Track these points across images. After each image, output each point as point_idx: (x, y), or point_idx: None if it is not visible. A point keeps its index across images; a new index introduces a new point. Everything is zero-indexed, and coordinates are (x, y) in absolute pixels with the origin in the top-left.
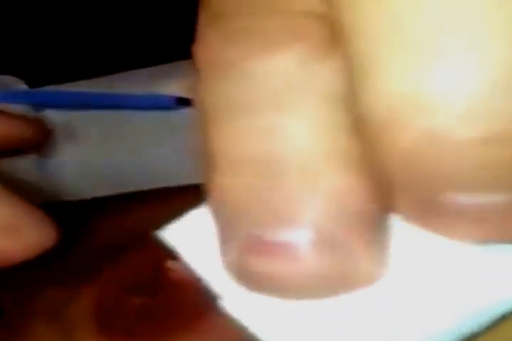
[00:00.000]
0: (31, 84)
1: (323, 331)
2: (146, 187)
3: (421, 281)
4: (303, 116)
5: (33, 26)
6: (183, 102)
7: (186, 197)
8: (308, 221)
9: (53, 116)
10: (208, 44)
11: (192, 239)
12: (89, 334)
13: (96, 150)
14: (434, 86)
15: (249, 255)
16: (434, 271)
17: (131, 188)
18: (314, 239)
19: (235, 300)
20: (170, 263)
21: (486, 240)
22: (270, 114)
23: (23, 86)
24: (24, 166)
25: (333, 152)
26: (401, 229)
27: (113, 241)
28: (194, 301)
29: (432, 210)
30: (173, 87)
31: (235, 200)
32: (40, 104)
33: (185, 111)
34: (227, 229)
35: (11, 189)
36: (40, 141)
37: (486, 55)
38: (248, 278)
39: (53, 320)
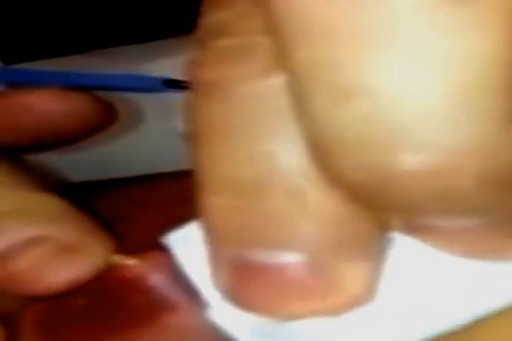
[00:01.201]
0: (6, 60)
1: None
2: (132, 173)
3: (415, 290)
4: (292, 140)
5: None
6: (170, 84)
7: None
8: (296, 245)
9: None
10: (201, 63)
11: (192, 247)
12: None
13: None
14: (367, 124)
15: (236, 278)
16: (427, 279)
17: (115, 174)
18: (302, 262)
19: (223, 311)
20: (114, 260)
21: (466, 257)
22: (260, 138)
23: None
24: None
25: (320, 177)
26: (398, 241)
27: None
28: (141, 301)
29: (413, 229)
30: (158, 67)
31: (224, 222)
32: (15, 83)
33: (172, 93)
34: (216, 251)
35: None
36: (110, 122)
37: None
38: (236, 299)
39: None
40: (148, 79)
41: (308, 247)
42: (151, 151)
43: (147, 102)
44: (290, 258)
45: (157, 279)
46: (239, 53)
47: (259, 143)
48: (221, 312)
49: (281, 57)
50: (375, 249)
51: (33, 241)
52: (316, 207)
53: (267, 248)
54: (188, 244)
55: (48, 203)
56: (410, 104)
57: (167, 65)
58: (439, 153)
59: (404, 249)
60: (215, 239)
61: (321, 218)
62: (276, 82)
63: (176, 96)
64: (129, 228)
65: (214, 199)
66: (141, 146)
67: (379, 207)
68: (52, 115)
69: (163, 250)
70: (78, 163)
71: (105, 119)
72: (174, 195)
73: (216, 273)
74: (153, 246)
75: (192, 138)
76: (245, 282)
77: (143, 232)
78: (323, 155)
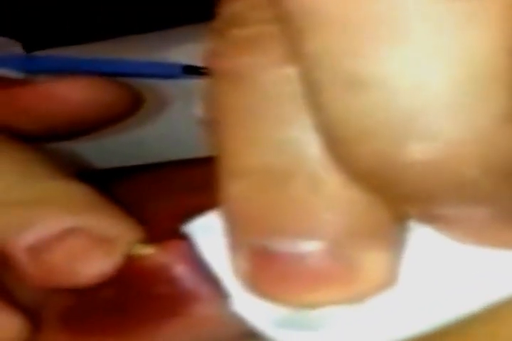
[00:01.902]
0: (28, 47)
1: (330, 334)
2: (155, 159)
3: (432, 278)
4: (304, 126)
5: None
6: (190, 70)
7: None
8: (317, 233)
9: None
10: (220, 52)
11: (213, 236)
12: (55, 333)
13: None
14: (378, 113)
15: (257, 266)
16: (444, 267)
17: (139, 161)
18: (323, 250)
19: (244, 301)
20: (133, 250)
21: (477, 246)
22: (282, 125)
23: (19, 49)
24: None
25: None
26: (416, 230)
27: None
28: (165, 292)
29: (428, 218)
30: (178, 53)
31: (245, 210)
32: (37, 71)
33: (192, 79)
34: (236, 239)
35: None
36: (135, 110)
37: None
38: (256, 288)
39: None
40: (168, 65)
41: (329, 235)
42: (174, 137)
43: (168, 88)
44: (311, 247)
45: (180, 269)
46: (257, 42)
47: (282, 130)
48: (242, 301)
49: (292, 48)
50: (394, 238)
51: (68, 233)
52: (337, 195)
53: (288, 236)
54: (208, 233)
55: (79, 192)
56: (417, 94)
57: (186, 52)
58: (443, 142)
59: (422, 238)
60: (235, 227)
61: (342, 207)
62: (295, 70)
63: (195, 82)
64: (148, 216)
65: (236, 187)
66: (163, 132)
67: (391, 196)
68: (78, 103)
69: (184, 239)
70: (103, 150)
71: (131, 107)
72: (194, 183)
73: (236, 262)
74: (174, 235)
75: (213, 125)
76: (266, 270)
77: (163, 220)
78: (334, 144)
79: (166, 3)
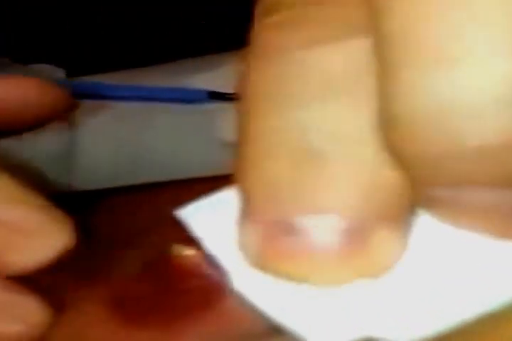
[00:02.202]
0: (70, 73)
1: (331, 309)
2: (169, 178)
3: (435, 270)
4: (348, 107)
5: (76, 16)
6: (215, 96)
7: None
8: (337, 209)
9: (85, 107)
10: (264, 31)
11: (208, 220)
12: (104, 326)
13: (126, 141)
14: (448, 101)
15: (270, 241)
16: (448, 261)
17: (158, 179)
18: (339, 226)
19: (244, 278)
20: (174, 249)
21: (494, 237)
22: (316, 104)
23: (62, 75)
24: (53, 153)
25: (369, 144)
26: (422, 222)
27: (121, 232)
28: (203, 288)
29: (445, 205)
30: (204, 81)
31: (269, 184)
32: (77, 95)
33: (217, 104)
34: (252, 215)
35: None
36: (64, 109)
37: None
38: (264, 261)
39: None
40: (195, 91)
41: (348, 212)
42: (191, 159)
43: (191, 113)
44: (328, 222)
45: (213, 267)
46: (296, 22)
47: (316, 108)
48: (242, 280)
49: (369, 28)
50: (406, 222)
51: None
52: (364, 176)
53: (309, 211)
54: (205, 217)
55: (4, 186)
56: (491, 80)
57: (210, 79)
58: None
59: (426, 228)
60: (252, 203)
61: (366, 187)
62: (333, 50)
63: (219, 107)
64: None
65: (263, 161)
66: (182, 153)
67: (427, 178)
68: (10, 102)
69: None
70: (122, 167)
71: (59, 105)
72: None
73: (248, 237)
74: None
75: (246, 102)
76: (279, 244)
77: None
78: (392, 125)
79: (193, 34)
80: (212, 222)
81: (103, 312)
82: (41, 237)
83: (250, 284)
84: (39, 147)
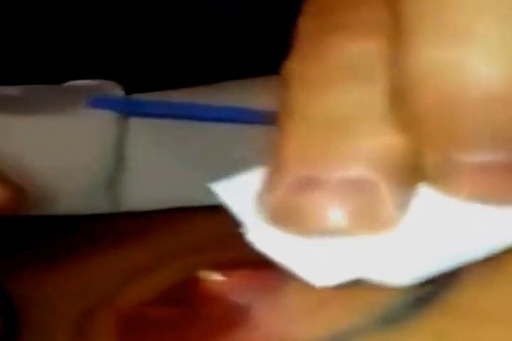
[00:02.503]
0: (129, 90)
1: (332, 254)
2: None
3: (433, 223)
4: (373, 85)
5: (137, 33)
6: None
7: None
8: (352, 166)
9: (140, 124)
10: (311, 34)
11: (238, 193)
12: None
13: (178, 162)
14: (459, 58)
15: (295, 191)
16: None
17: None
18: (350, 180)
19: (264, 238)
20: (201, 274)
21: (491, 199)
22: (349, 83)
23: (120, 92)
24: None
25: (387, 116)
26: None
27: (143, 252)
28: (220, 315)
29: (445, 170)
30: (264, 102)
31: (297, 145)
32: (135, 113)
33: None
34: (283, 169)
35: None
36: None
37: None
38: (287, 212)
39: (75, 333)
40: (255, 112)
41: (361, 170)
42: None
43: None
44: (340, 176)
45: (238, 296)
46: (341, 25)
47: (349, 86)
48: (261, 238)
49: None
50: (409, 185)
51: None
52: (383, 143)
53: (327, 168)
54: (235, 190)
55: None
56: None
57: (267, 101)
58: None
59: (426, 199)
60: (284, 161)
61: (382, 151)
62: (367, 46)
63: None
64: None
65: (295, 127)
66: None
67: (438, 137)
68: None
69: (251, 270)
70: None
71: (11, 205)
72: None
73: (273, 189)
74: (242, 265)
75: (289, 83)
76: (305, 194)
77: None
78: (405, 87)
79: (254, 53)
80: (242, 195)
81: (111, 332)
82: None
83: (266, 240)
84: (82, 165)
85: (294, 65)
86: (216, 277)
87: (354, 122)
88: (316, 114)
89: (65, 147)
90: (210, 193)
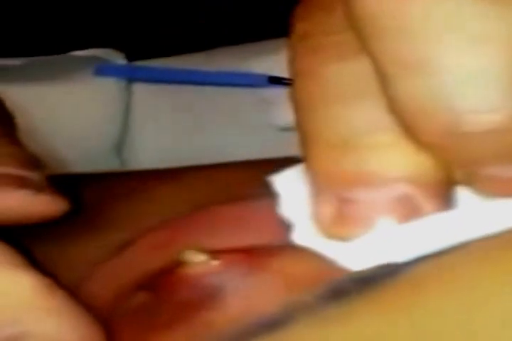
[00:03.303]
0: (130, 57)
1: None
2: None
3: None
4: (372, 103)
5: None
6: (274, 80)
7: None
8: (389, 184)
9: (143, 90)
10: (301, 55)
11: (292, 185)
12: None
13: (184, 124)
14: (447, 92)
15: (336, 210)
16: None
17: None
18: (394, 197)
19: (305, 235)
20: (186, 256)
21: None
22: (352, 103)
23: (122, 59)
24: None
25: (399, 133)
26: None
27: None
28: (187, 298)
29: (474, 179)
30: (264, 65)
31: (330, 170)
32: (137, 79)
33: (276, 89)
34: (321, 190)
35: None
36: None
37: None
38: (331, 227)
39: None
40: (255, 76)
41: (398, 187)
42: (247, 143)
43: (249, 97)
44: (383, 195)
45: (215, 279)
46: (327, 47)
47: (352, 106)
48: (306, 238)
49: (359, 46)
50: (448, 194)
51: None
52: (406, 156)
53: (363, 187)
54: (290, 183)
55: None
56: (472, 76)
57: (270, 63)
58: (501, 115)
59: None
60: (322, 183)
61: (410, 166)
62: (357, 64)
63: (276, 92)
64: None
65: (321, 154)
66: (238, 138)
67: (451, 160)
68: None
69: (247, 255)
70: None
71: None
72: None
73: (319, 207)
74: (239, 251)
75: (297, 107)
76: (344, 214)
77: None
78: (402, 119)
79: (252, 18)
80: (294, 188)
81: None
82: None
83: (309, 239)
84: (93, 129)
85: (303, 88)
86: (200, 258)
87: (372, 139)
88: (333, 132)
89: (74, 114)
90: (213, 155)
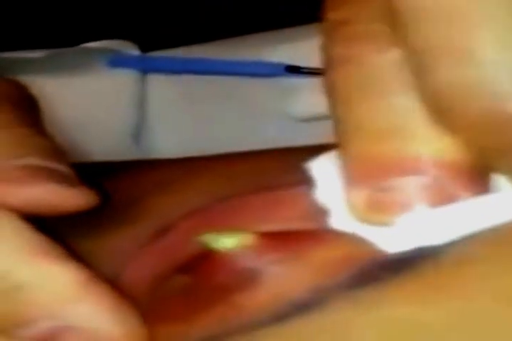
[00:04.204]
0: (144, 48)
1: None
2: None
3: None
4: (408, 96)
5: None
6: (291, 69)
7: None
8: (423, 171)
9: (158, 80)
10: (337, 43)
11: (328, 171)
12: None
13: (199, 114)
14: (481, 77)
15: (369, 199)
16: None
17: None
18: (426, 185)
19: (342, 219)
20: (221, 239)
21: None
22: (389, 95)
23: (135, 51)
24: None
25: (431, 122)
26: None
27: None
28: (225, 281)
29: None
30: (280, 54)
31: (364, 160)
32: (151, 70)
33: (293, 78)
34: (355, 179)
35: None
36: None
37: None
38: (365, 214)
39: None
40: (272, 65)
41: (432, 173)
42: (264, 134)
43: (266, 86)
44: (418, 181)
45: (249, 262)
46: (363, 36)
47: (390, 97)
48: (342, 222)
49: (399, 37)
50: (486, 183)
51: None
52: (442, 145)
53: (398, 174)
54: (324, 168)
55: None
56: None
57: (286, 52)
58: None
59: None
60: (355, 168)
61: (445, 153)
62: (394, 55)
63: (294, 81)
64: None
65: (355, 144)
66: (254, 128)
67: (491, 147)
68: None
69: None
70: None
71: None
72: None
73: (352, 195)
74: (275, 235)
75: (333, 98)
76: (377, 202)
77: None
78: (441, 109)
79: (268, 7)
80: (330, 173)
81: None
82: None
83: (345, 224)
84: (111, 119)
85: (326, 74)
86: (236, 242)
87: (408, 129)
88: (370, 123)
89: (91, 105)
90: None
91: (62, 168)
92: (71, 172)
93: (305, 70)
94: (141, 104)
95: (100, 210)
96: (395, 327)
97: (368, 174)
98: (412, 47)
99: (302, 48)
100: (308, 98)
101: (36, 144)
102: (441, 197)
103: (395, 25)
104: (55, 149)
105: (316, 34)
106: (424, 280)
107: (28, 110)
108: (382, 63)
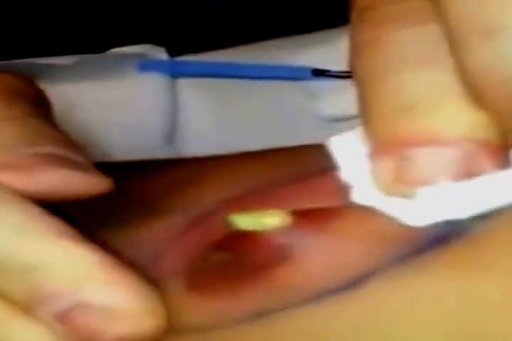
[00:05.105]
0: (172, 52)
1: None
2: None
3: None
4: (443, 67)
5: None
6: (318, 73)
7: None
8: (453, 143)
9: (188, 84)
10: (365, 27)
11: (348, 148)
12: (178, 290)
13: (229, 118)
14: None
15: (399, 169)
16: None
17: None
18: (456, 156)
19: (365, 195)
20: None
21: None
22: (418, 68)
23: (163, 55)
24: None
25: (464, 94)
26: None
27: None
28: (260, 258)
29: None
30: (307, 58)
31: (390, 131)
32: (180, 74)
33: (320, 81)
34: (381, 150)
35: None
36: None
37: None
38: (390, 185)
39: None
40: (299, 69)
41: (462, 145)
42: (292, 136)
43: (294, 90)
44: (443, 153)
45: (284, 239)
46: (394, 15)
47: (419, 71)
48: (364, 196)
49: (433, 12)
50: (508, 154)
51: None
52: (467, 119)
53: (424, 146)
54: (346, 146)
55: (85, 259)
56: None
57: (313, 56)
58: None
59: None
60: (382, 142)
61: (474, 127)
62: (424, 31)
63: (321, 84)
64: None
65: (385, 114)
66: (283, 130)
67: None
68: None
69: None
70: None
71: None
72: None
73: (379, 167)
74: (308, 212)
75: (360, 75)
76: (403, 173)
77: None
78: (473, 86)
79: (294, 12)
80: (351, 150)
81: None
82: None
83: (369, 198)
84: (144, 124)
85: (353, 58)
86: (273, 220)
87: (440, 102)
88: (394, 97)
89: (122, 110)
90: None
91: (78, 157)
92: (87, 161)
93: (331, 73)
94: (172, 108)
95: (130, 205)
96: (448, 301)
97: (395, 145)
98: (448, 25)
99: (328, 52)
100: (336, 99)
101: (53, 134)
102: (467, 169)
103: (432, 4)
104: (72, 142)
105: (341, 38)
106: (461, 255)
107: (43, 107)
108: (410, 38)
